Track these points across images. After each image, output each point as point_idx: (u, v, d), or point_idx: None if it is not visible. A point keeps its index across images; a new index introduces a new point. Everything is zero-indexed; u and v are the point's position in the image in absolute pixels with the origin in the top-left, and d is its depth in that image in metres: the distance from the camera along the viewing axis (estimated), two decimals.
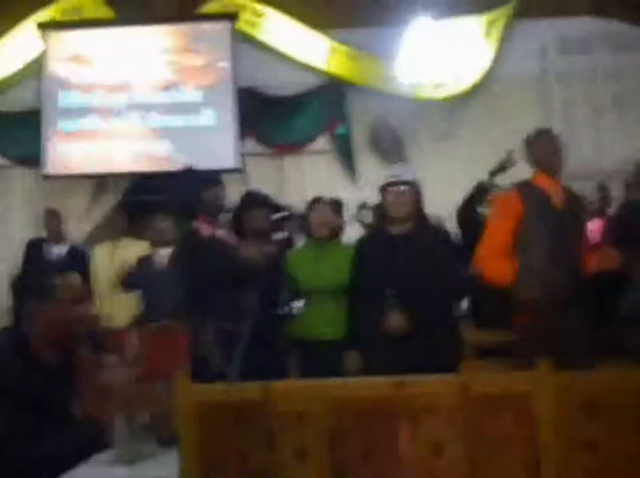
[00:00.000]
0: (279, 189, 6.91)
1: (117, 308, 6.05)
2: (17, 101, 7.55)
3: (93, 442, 2.41)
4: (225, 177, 4.02)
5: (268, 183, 6.93)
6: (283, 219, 3.89)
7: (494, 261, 3.55)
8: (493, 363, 4.10)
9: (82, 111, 7.44)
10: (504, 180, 4.35)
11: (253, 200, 4.06)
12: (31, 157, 7.43)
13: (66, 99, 7.47)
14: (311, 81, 7.25)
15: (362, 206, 5.36)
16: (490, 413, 2.89)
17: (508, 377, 3.14)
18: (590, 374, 2.98)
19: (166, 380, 3.11)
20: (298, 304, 4.21)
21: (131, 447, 2.89)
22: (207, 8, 7.48)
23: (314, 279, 4.03)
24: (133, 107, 7.39)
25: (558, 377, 2.89)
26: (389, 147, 6.92)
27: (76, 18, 7.54)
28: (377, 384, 3.02)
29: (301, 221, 4.37)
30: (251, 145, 7.28)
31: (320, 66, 7.19)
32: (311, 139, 7.25)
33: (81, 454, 2.44)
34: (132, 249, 6.00)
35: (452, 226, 4.58)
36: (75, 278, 2.57)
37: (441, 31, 6.79)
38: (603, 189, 5.42)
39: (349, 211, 5.25)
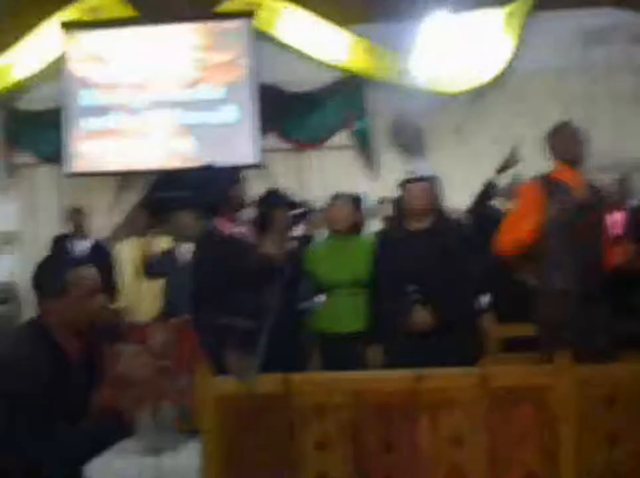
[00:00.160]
0: (300, 184, 6.96)
1: (141, 302, 6.14)
2: (41, 99, 7.65)
3: (110, 433, 2.44)
4: (246, 173, 4.05)
5: (289, 179, 6.99)
6: (301, 215, 3.91)
7: (512, 238, 3.55)
8: (516, 357, 4.11)
9: (104, 110, 7.52)
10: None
11: (272, 198, 4.09)
12: (56, 155, 7.53)
13: (87, 98, 7.55)
14: (330, 77, 7.27)
15: (382, 201, 5.38)
16: (509, 406, 2.90)
17: (527, 370, 3.16)
18: (610, 366, 2.98)
19: (189, 372, 3.16)
20: (318, 299, 4.24)
21: (156, 438, 2.93)
22: (225, 7, 7.52)
23: (333, 273, 4.06)
24: (154, 105, 7.46)
25: (578, 370, 2.89)
26: (408, 141, 6.92)
27: (97, 17, 7.61)
28: (397, 377, 3.04)
29: (321, 216, 4.40)
30: (272, 140, 7.32)
31: (339, 62, 7.21)
32: (331, 134, 7.28)
33: (98, 445, 2.47)
34: (155, 245, 6.09)
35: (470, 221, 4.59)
36: (90, 272, 2.57)
37: (460, 24, 6.78)
38: (623, 181, 5.40)
39: (369, 205, 5.26)
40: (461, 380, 2.97)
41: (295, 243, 3.91)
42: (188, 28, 7.52)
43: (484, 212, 4.54)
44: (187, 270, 5.18)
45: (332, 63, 7.25)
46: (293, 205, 4.01)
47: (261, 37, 7.37)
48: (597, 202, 3.68)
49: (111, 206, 7.51)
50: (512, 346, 4.16)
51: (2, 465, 2.35)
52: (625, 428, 2.83)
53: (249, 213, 4.00)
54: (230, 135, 7.25)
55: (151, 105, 7.47)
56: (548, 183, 3.58)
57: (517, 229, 3.56)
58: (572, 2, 6.82)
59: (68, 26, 7.54)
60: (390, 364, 3.52)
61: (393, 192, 4.84)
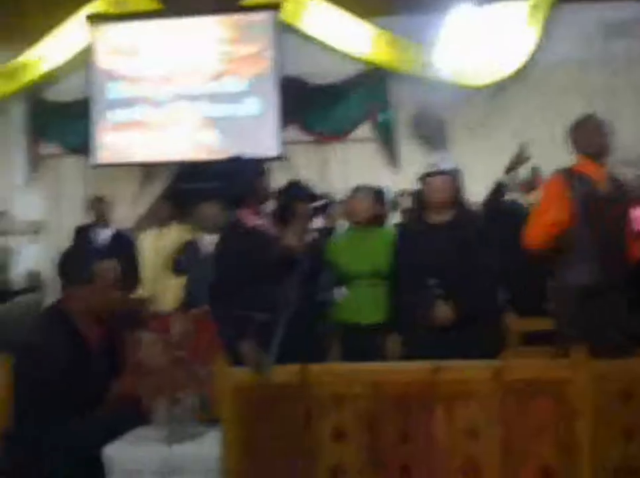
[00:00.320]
0: (321, 177, 6.97)
1: (163, 292, 6.21)
2: (68, 91, 7.75)
3: (125, 421, 2.48)
4: (269, 165, 4.08)
5: (311, 171, 7.01)
6: (321, 207, 3.94)
7: (538, 233, 3.55)
8: (535, 351, 4.11)
9: (130, 102, 7.59)
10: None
11: (293, 190, 4.12)
12: (81, 146, 7.62)
13: (114, 90, 7.63)
14: (353, 70, 7.26)
15: (402, 193, 5.39)
16: (525, 400, 2.91)
17: (543, 364, 3.17)
18: (627, 361, 2.98)
19: (208, 363, 3.20)
20: (338, 290, 4.27)
21: (176, 427, 2.97)
22: (251, 0, 7.55)
23: (354, 265, 4.07)
24: (180, 97, 7.51)
25: (594, 364, 2.90)
26: (431, 133, 6.91)
27: (124, 10, 7.68)
28: (414, 369, 3.06)
29: (342, 208, 4.42)
30: (294, 133, 7.34)
31: (362, 54, 7.20)
32: (354, 127, 7.28)
33: (113, 432, 2.51)
34: (178, 236, 6.14)
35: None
36: (113, 264, 2.65)
37: (484, 17, 6.74)
38: None
39: (390, 198, 5.27)
40: (478, 373, 2.98)
41: (315, 235, 3.94)
42: (214, 20, 7.55)
43: (497, 208, 4.53)
44: (209, 262, 5.25)
45: (356, 55, 7.25)
46: (313, 197, 4.04)
47: (286, 29, 7.37)
48: (621, 196, 3.66)
49: (136, 196, 7.58)
50: (531, 340, 4.16)
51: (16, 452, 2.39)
52: None
53: (271, 205, 4.03)
54: (253, 128, 7.28)
55: (176, 98, 7.51)
56: (570, 176, 3.58)
57: (543, 223, 3.55)
58: None
59: (94, 19, 7.61)
60: (410, 356, 3.52)
61: (414, 184, 4.85)
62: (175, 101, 7.52)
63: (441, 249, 3.61)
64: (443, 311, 3.55)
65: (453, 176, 3.76)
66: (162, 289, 6.22)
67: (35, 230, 7.65)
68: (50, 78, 7.80)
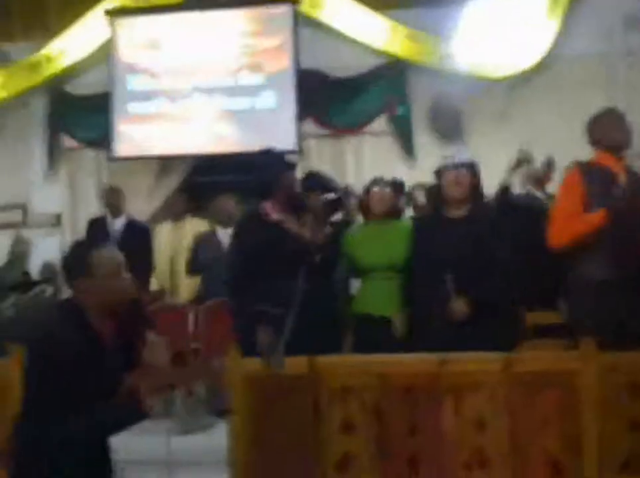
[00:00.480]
0: (339, 170, 6.97)
1: (178, 285, 6.27)
2: (89, 84, 7.80)
3: (132, 414, 2.49)
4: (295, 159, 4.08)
5: (328, 164, 7.01)
6: (337, 200, 3.94)
7: (562, 229, 3.53)
8: (546, 344, 4.10)
9: (150, 95, 7.62)
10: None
11: (309, 182, 4.13)
12: (98, 139, 7.68)
13: (134, 83, 7.67)
14: (371, 62, 7.24)
15: (413, 188, 5.38)
16: (533, 392, 2.92)
17: (551, 356, 3.17)
18: (635, 354, 2.96)
19: (221, 354, 3.23)
20: (355, 282, 4.29)
21: (187, 419, 2.99)
22: None
23: (370, 257, 4.09)
24: (201, 90, 7.53)
25: (603, 357, 2.89)
26: (448, 126, 6.88)
27: (143, 4, 7.72)
28: (421, 361, 3.08)
29: (359, 201, 4.43)
30: (309, 126, 7.34)
31: (380, 47, 7.18)
32: (371, 120, 7.26)
33: (120, 425, 2.52)
34: (194, 229, 6.19)
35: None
36: (112, 252, 2.61)
37: (503, 9, 6.71)
38: None
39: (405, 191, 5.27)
40: (486, 365, 2.99)
41: (331, 228, 3.94)
42: (237, 14, 7.56)
43: (508, 204, 4.52)
44: (223, 255, 5.29)
45: (374, 48, 7.23)
46: (327, 189, 4.05)
47: (305, 22, 7.38)
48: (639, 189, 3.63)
49: (152, 189, 7.63)
50: (540, 334, 4.14)
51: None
52: None
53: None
54: (270, 121, 7.29)
55: (197, 91, 7.54)
56: (589, 170, 3.56)
57: (570, 223, 3.51)
58: None
59: (112, 13, 7.65)
60: (425, 350, 3.48)
61: (429, 178, 4.85)
62: (194, 94, 7.54)
63: (458, 244, 3.61)
64: (459, 306, 3.56)
65: (470, 169, 3.75)
66: (178, 281, 6.28)
67: (54, 222, 7.74)
68: (71, 72, 7.85)
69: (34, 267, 6.88)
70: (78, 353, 2.38)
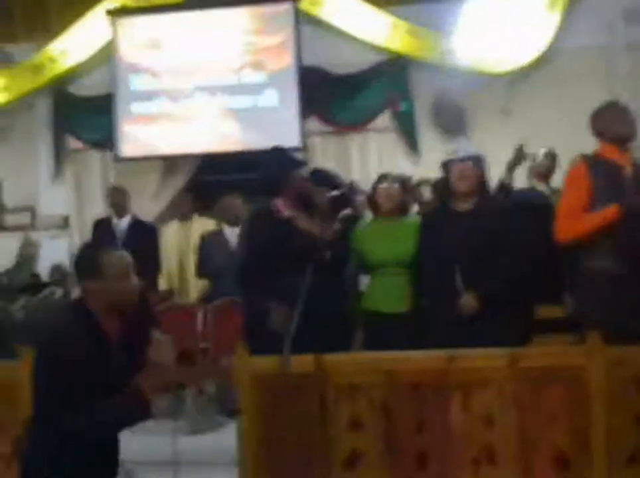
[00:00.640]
0: (344, 167, 6.97)
1: (187, 285, 6.29)
2: (91, 85, 7.80)
3: (133, 415, 2.52)
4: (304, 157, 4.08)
5: (333, 161, 7.02)
6: (342, 196, 3.95)
7: (569, 224, 3.52)
8: (553, 339, 4.11)
9: (154, 95, 7.63)
10: None
11: (315, 178, 4.14)
12: (103, 140, 7.70)
13: (137, 83, 7.68)
14: (372, 59, 7.24)
15: (420, 183, 5.39)
16: (540, 387, 2.94)
17: (558, 351, 3.18)
18: None
19: (231, 353, 3.25)
20: (364, 279, 4.30)
21: (197, 419, 3.01)
22: None
23: (379, 253, 4.10)
24: (203, 89, 7.54)
25: (609, 351, 2.91)
26: (450, 121, 6.88)
27: (144, 3, 7.72)
28: (429, 357, 3.10)
29: (367, 197, 4.44)
30: (313, 123, 7.35)
31: (381, 43, 7.16)
32: (374, 116, 7.25)
33: (120, 425, 2.55)
34: (201, 228, 6.21)
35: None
36: (122, 254, 2.65)
37: (503, 4, 6.70)
38: None
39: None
40: (493, 360, 3.01)
41: (339, 224, 3.95)
42: (238, 12, 7.56)
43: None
44: (231, 254, 5.31)
45: (376, 44, 7.22)
46: (334, 186, 4.06)
47: (306, 20, 7.38)
48: None
49: (158, 189, 7.64)
50: (545, 328, 4.14)
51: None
52: None
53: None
54: (274, 118, 7.30)
55: (199, 90, 7.54)
56: (595, 163, 3.56)
57: (579, 218, 3.49)
58: None
59: (114, 13, 7.67)
60: (435, 345, 3.48)
61: (434, 173, 4.86)
62: (196, 93, 7.55)
63: (465, 237, 3.62)
64: (468, 301, 3.57)
65: (476, 162, 3.77)
66: (186, 281, 6.31)
67: (61, 224, 7.76)
68: (74, 73, 7.86)
69: (42, 269, 6.92)
70: (86, 353, 2.41)
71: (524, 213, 3.97)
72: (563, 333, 3.77)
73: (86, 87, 7.83)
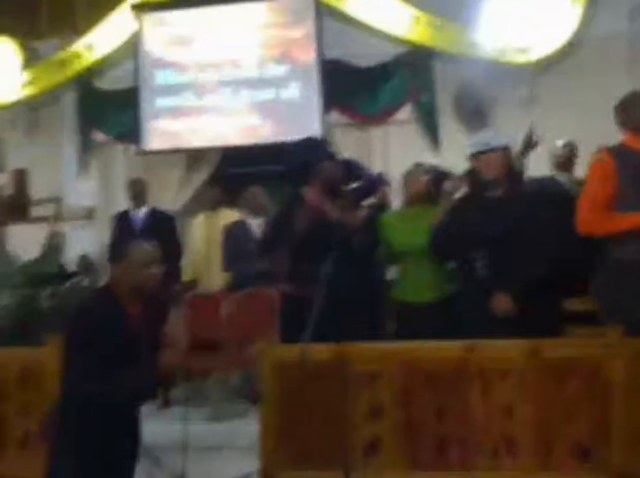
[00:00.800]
0: (365, 159, 6.96)
1: (212, 275, 6.35)
2: (118, 79, 7.88)
3: (147, 385, 2.71)
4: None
5: (354, 153, 7.02)
6: (362, 187, 3.98)
7: (594, 217, 3.50)
8: (577, 331, 4.09)
9: (178, 89, 7.69)
10: None
11: (345, 168, 4.18)
12: (128, 133, 7.78)
13: (162, 77, 7.74)
14: (394, 51, 7.22)
15: (443, 176, 5.38)
16: (560, 378, 2.94)
17: (579, 342, 3.18)
18: None
19: (254, 341, 3.30)
20: (392, 268, 4.32)
21: (223, 405, 3.07)
22: None
23: (407, 242, 4.13)
24: (227, 83, 7.58)
25: (630, 343, 2.91)
26: (473, 113, 6.84)
27: None
28: (449, 347, 3.12)
29: (393, 187, 4.47)
30: (336, 116, 7.37)
31: (403, 35, 7.15)
32: (397, 108, 7.25)
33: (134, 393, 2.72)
34: (226, 220, 6.27)
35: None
36: (148, 244, 2.89)
37: None
38: None
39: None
40: (514, 351, 3.02)
41: (366, 212, 3.98)
42: (260, 6, 7.59)
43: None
44: (255, 245, 5.35)
45: (399, 36, 7.21)
46: (357, 176, 4.09)
47: (329, 12, 7.39)
48: None
49: (182, 182, 7.72)
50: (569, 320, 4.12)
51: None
52: None
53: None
54: (296, 111, 7.33)
55: (223, 84, 7.59)
56: (620, 153, 3.54)
57: (608, 216, 3.47)
58: None
59: (138, 8, 7.73)
60: (467, 336, 3.41)
61: (456, 165, 4.86)
62: (220, 87, 7.60)
63: (494, 225, 3.61)
64: (502, 302, 3.47)
65: (504, 151, 3.77)
66: (212, 272, 6.37)
67: (86, 215, 7.87)
68: (100, 67, 7.95)
69: (68, 259, 7.02)
70: (110, 328, 2.65)
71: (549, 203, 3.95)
72: (593, 325, 3.71)
73: (111, 81, 7.91)
